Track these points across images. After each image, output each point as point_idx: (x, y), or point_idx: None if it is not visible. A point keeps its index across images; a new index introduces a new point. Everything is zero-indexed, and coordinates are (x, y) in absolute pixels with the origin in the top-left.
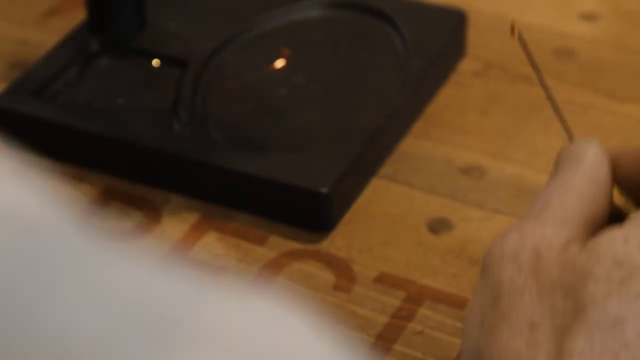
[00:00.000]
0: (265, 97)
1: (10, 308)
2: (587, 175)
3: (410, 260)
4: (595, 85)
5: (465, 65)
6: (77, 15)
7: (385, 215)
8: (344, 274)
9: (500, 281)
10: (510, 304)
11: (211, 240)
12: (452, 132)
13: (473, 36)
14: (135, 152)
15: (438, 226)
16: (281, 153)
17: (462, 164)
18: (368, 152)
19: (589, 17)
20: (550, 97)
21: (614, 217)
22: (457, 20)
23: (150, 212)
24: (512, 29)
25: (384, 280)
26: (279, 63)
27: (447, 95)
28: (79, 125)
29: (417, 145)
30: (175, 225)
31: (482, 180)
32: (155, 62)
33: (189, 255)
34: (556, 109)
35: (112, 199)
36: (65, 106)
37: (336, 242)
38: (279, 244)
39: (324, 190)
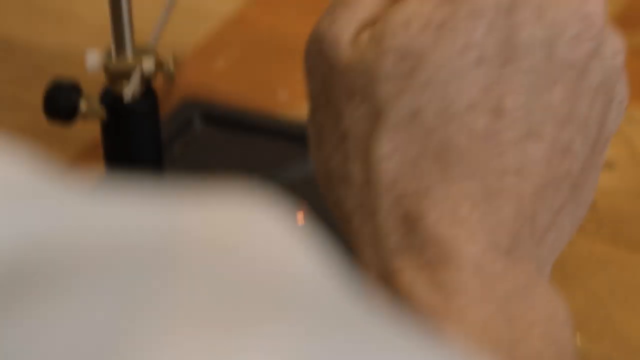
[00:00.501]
0: None
1: None
2: None
3: None
4: (615, 237)
5: None
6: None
7: None
8: None
9: (310, 91)
10: (321, 119)
11: None
12: None
13: None
14: None
15: None
16: None
17: None
18: None
19: (606, 166)
20: None
21: None
22: None
23: None
24: None
25: None
26: (297, 218)
27: None
28: None
29: None
30: None
31: None
32: None
33: None
34: None
35: None
36: None
37: None
38: None
39: None
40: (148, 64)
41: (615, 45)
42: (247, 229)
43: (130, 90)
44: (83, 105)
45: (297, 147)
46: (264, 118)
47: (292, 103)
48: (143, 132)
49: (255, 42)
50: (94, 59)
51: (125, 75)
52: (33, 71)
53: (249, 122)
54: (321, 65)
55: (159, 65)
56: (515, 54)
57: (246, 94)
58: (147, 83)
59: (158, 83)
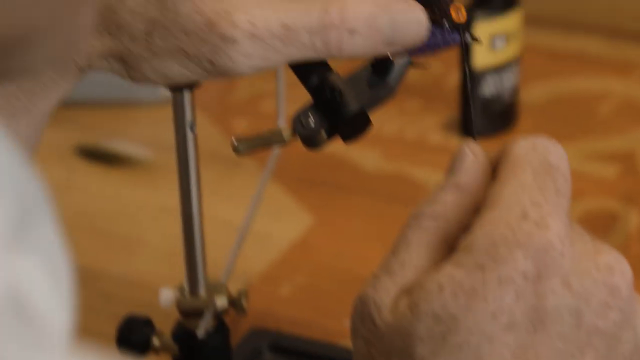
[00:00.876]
0: None
1: None
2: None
3: None
4: None
5: None
6: None
7: None
8: None
9: (355, 349)
10: None
11: None
12: None
13: None
14: None
15: None
16: None
17: None
18: None
19: None
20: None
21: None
22: None
23: None
24: None
25: None
26: None
27: None
28: None
29: None
30: None
31: None
32: None
33: None
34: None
35: None
36: None
37: None
38: None
39: None
40: (221, 302)
41: None
42: None
43: (203, 326)
44: (155, 341)
45: None
46: (330, 348)
47: None
48: None
49: (320, 267)
50: (167, 296)
51: (198, 312)
52: (101, 299)
53: (315, 352)
54: (364, 326)
55: (231, 301)
56: (544, 321)
57: (312, 320)
58: (219, 318)
59: (229, 315)
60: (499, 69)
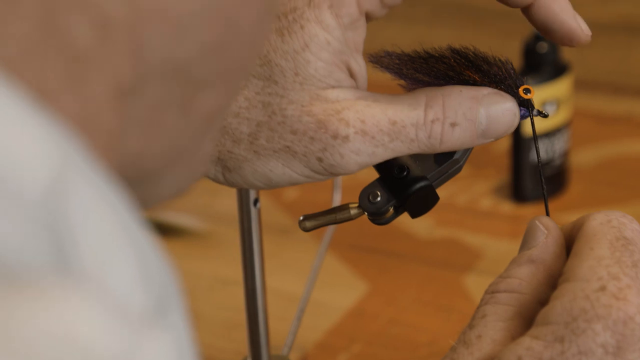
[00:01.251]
0: None
1: None
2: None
3: None
4: None
5: None
6: None
7: None
8: None
9: None
10: None
11: None
12: None
13: None
14: None
15: None
16: None
17: None
18: None
19: None
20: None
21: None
22: None
23: None
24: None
25: None
26: None
27: None
28: None
29: None
30: None
31: None
32: None
33: None
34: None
35: None
36: None
37: None
38: None
39: None
40: None
41: None
42: None
43: None
44: None
45: None
46: None
47: None
48: None
49: (375, 335)
50: None
51: None
52: None
53: None
54: None
55: None
56: None
57: None
58: None
59: None
60: (549, 134)
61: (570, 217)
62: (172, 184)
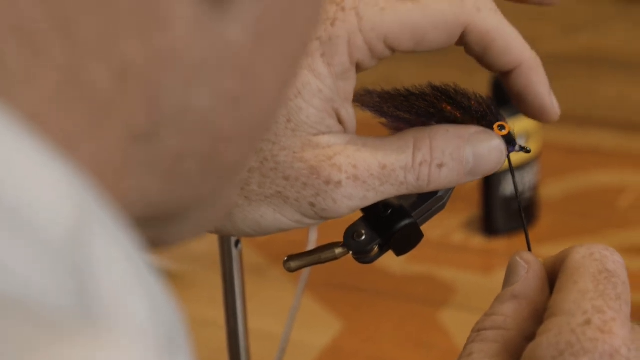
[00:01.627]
0: None
1: None
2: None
3: None
4: None
5: None
6: None
7: None
8: None
9: None
10: None
11: None
12: None
13: None
14: None
15: None
16: None
17: None
18: None
19: None
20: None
21: None
22: None
23: None
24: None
25: None
26: None
27: None
28: None
29: None
30: None
31: None
32: None
33: None
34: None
35: None
36: None
37: None
38: None
39: None
40: None
41: None
42: None
43: None
44: None
45: None
46: None
47: None
48: None
49: None
50: None
51: None
52: None
53: None
54: None
55: None
56: None
57: None
58: None
59: None
60: (519, 167)
61: (542, 249)
62: (193, 227)
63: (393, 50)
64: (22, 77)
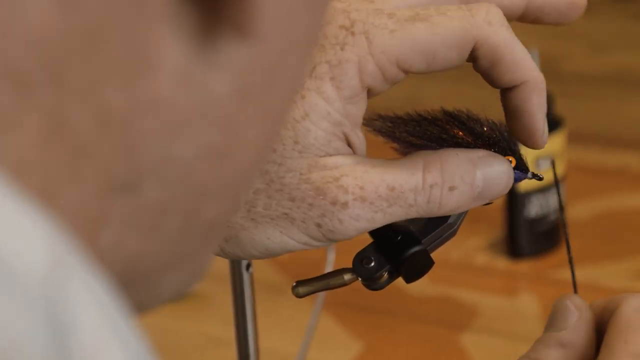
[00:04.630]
0: None
1: None
2: None
3: None
4: None
5: None
6: None
7: None
8: None
9: None
10: None
11: None
12: None
13: None
14: None
15: None
16: None
17: None
18: None
19: None
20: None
21: None
22: None
23: None
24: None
25: None
26: None
27: None
28: None
29: None
30: None
31: None
32: None
33: None
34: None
35: None
36: None
37: None
38: None
39: None
40: None
41: None
42: None
43: None
44: None
45: None
46: None
47: None
48: None
49: None
50: None
51: None
52: None
53: None
54: None
55: None
56: None
57: None
58: None
59: None
60: (543, 189)
61: (567, 273)
62: (170, 287)
63: (405, 72)
64: (9, 121)
